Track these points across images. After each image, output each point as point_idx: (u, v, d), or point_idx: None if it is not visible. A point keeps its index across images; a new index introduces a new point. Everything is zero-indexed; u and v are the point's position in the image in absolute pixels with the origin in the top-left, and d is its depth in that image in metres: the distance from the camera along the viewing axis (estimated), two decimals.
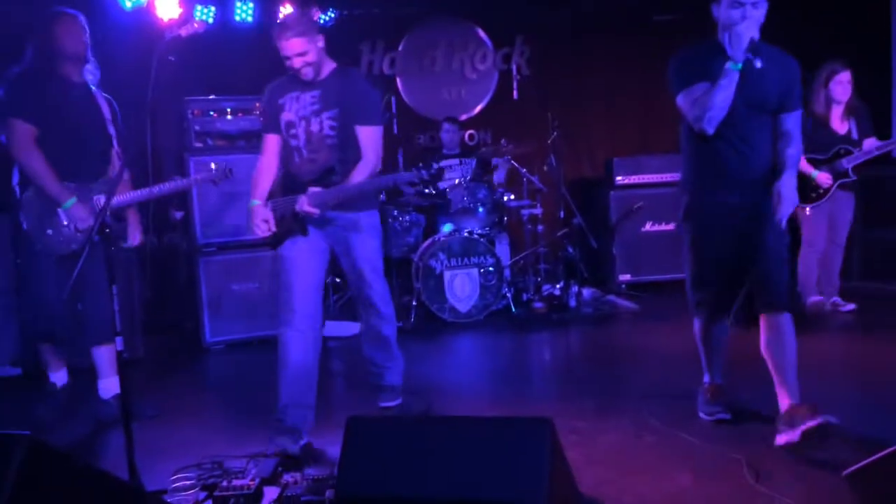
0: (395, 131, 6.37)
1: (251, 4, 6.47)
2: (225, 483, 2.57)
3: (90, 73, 3.76)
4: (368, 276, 3.30)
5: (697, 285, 3.16)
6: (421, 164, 3.12)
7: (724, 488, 2.52)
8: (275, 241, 3.24)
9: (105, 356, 3.63)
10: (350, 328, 5.39)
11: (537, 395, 3.96)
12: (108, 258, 2.72)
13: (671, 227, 6.33)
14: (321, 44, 3.19)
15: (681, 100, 2.99)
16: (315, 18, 2.98)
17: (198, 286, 5.10)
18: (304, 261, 3.19)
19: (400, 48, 7.32)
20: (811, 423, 2.63)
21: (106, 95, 3.80)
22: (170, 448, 3.18)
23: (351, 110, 3.17)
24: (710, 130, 2.86)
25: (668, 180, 6.42)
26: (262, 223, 3.19)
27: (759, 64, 2.72)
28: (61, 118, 3.47)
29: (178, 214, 5.78)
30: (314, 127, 3.19)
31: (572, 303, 5.83)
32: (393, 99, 6.23)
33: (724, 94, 2.80)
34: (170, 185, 3.74)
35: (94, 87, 3.73)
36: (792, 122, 2.97)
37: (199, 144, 5.18)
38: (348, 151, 3.18)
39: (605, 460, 2.81)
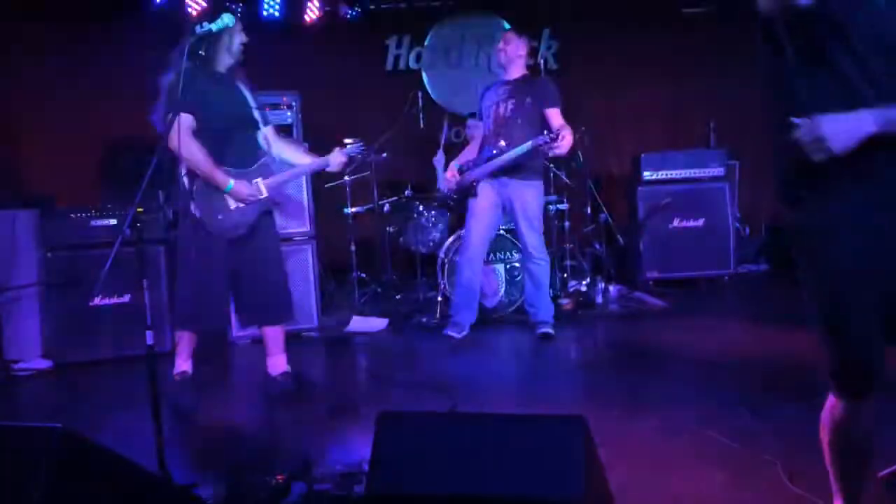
0: (422, 126, 6.36)
1: (278, 0, 6.50)
2: (253, 478, 2.58)
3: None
4: (525, 229, 4.79)
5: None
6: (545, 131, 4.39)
7: (758, 489, 2.47)
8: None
9: (273, 335, 3.86)
10: (376, 324, 5.40)
11: (564, 392, 3.92)
12: (140, 253, 2.73)
13: (699, 223, 6.26)
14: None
15: None
16: None
17: None
18: (482, 212, 4.84)
19: (426, 43, 7.31)
20: None
21: (247, 83, 3.86)
22: (198, 441, 3.20)
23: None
24: None
25: (696, 176, 6.36)
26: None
27: None
28: (214, 109, 3.59)
29: None
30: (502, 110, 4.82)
31: (599, 299, 5.79)
32: (419, 93, 6.21)
33: None
34: (316, 163, 3.90)
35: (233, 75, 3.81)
36: None
37: None
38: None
39: (636, 458, 2.77)
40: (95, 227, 4.79)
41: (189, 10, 6.07)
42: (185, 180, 3.60)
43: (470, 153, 5.07)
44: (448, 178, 5.00)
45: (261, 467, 2.78)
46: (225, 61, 3.70)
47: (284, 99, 5.34)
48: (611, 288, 5.97)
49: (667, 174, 6.41)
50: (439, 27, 7.36)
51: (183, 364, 3.82)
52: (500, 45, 4.90)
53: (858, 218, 1.75)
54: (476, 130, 6.04)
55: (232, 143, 3.64)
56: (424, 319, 5.48)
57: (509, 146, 4.59)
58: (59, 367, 4.64)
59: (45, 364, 4.68)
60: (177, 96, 3.14)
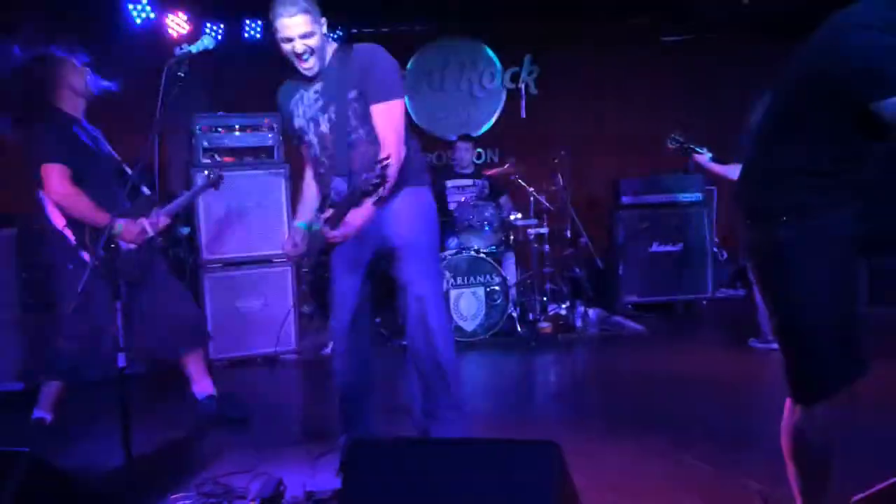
0: None
1: (260, 22, 6.52)
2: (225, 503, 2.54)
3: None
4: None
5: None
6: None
7: None
8: None
9: (193, 362, 3.81)
10: None
11: (542, 417, 3.91)
12: (114, 272, 2.70)
13: (678, 247, 6.31)
14: (325, 28, 2.75)
15: None
16: None
17: (202, 302, 5.08)
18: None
19: (409, 67, 7.35)
20: None
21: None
22: (169, 466, 3.15)
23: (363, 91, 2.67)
24: None
25: (674, 201, 6.42)
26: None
27: None
28: (84, 155, 3.49)
29: (184, 230, 5.78)
30: (323, 127, 2.75)
31: (578, 323, 5.80)
32: None
33: None
34: (182, 199, 3.87)
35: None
36: None
37: (206, 160, 5.19)
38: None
39: (613, 485, 2.75)
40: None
41: (170, 32, 6.06)
42: (69, 232, 3.46)
43: None
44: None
45: (233, 492, 2.74)
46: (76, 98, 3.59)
47: (266, 121, 5.33)
48: (590, 311, 5.97)
49: (645, 199, 6.46)
50: (422, 51, 7.41)
51: (44, 412, 3.64)
52: None
53: (850, 229, 1.91)
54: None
55: (109, 185, 3.53)
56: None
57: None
58: (29, 390, 4.55)
59: (17, 386, 4.59)
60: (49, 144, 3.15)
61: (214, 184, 4.02)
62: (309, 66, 2.69)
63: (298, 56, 2.67)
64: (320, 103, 2.73)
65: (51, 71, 3.50)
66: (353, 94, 2.67)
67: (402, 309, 2.95)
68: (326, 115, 2.71)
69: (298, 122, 2.81)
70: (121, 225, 3.45)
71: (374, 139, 2.66)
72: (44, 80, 3.49)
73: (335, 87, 2.69)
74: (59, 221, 3.47)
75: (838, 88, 1.81)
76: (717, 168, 5.30)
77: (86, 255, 3.43)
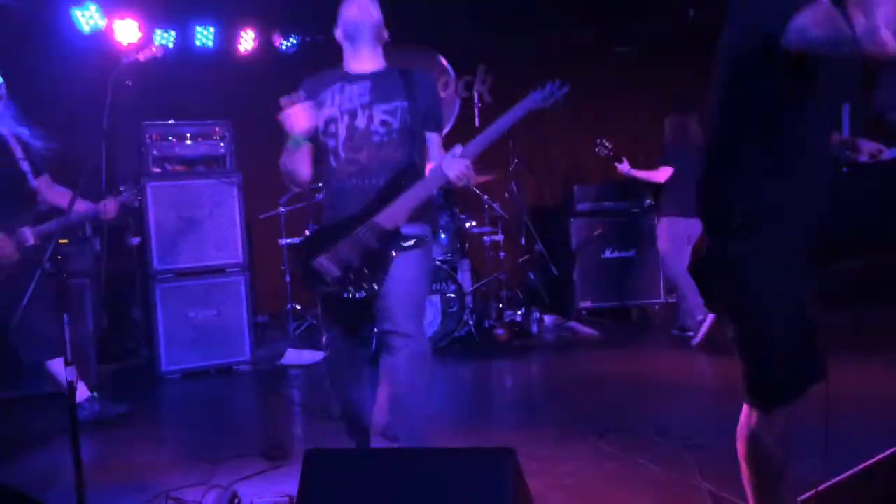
0: None
1: (212, 29, 6.45)
2: None
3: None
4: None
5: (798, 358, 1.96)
6: None
7: None
8: None
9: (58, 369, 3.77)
10: (311, 356, 5.33)
11: (498, 423, 3.94)
12: (61, 286, 2.65)
13: (631, 253, 6.42)
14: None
15: (802, 25, 1.69)
16: None
17: (154, 314, 4.99)
18: None
19: None
20: None
21: (20, 130, 3.86)
22: (122, 481, 3.09)
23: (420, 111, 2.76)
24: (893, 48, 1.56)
25: (627, 208, 6.54)
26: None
27: None
28: None
29: (135, 240, 5.68)
30: (359, 122, 2.73)
31: (534, 329, 5.85)
32: None
33: None
34: (83, 213, 3.82)
35: (2, 132, 3.81)
36: None
37: (157, 169, 5.11)
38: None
39: (567, 488, 2.79)
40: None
41: (119, 39, 5.95)
42: None
43: None
44: None
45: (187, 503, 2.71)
46: None
47: (217, 129, 5.27)
48: (545, 318, 6.04)
49: (598, 206, 6.56)
50: None
51: None
52: None
53: (803, 238, 1.92)
54: None
55: None
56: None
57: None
58: None
59: None
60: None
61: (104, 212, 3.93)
62: (367, 55, 2.77)
63: (366, 40, 2.74)
64: (366, 99, 2.74)
65: None
66: (404, 104, 2.73)
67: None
68: (368, 113, 2.73)
69: (329, 110, 2.77)
70: None
71: (399, 145, 2.72)
72: None
73: (389, 91, 2.75)
74: None
75: (752, 44, 1.81)
76: (639, 174, 5.50)
77: None
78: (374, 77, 2.77)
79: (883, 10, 1.51)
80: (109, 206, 3.85)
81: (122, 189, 3.96)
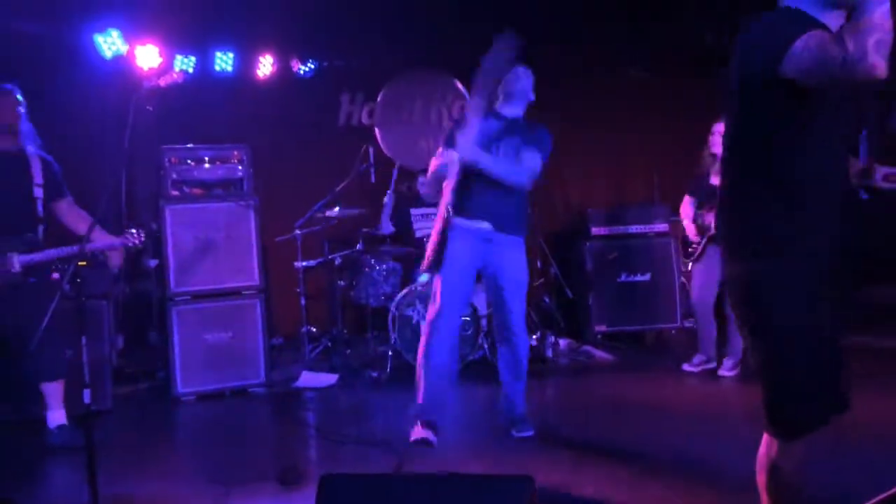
0: (373, 181, 6.40)
1: (231, 55, 6.53)
2: None
3: (28, 139, 3.95)
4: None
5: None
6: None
7: None
8: None
9: (49, 391, 3.93)
10: (326, 379, 5.33)
11: (513, 448, 3.91)
12: (80, 309, 2.68)
13: (646, 277, 6.38)
14: None
15: (798, 52, 1.77)
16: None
17: (170, 336, 5.01)
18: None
19: (378, 99, 7.40)
20: None
21: (46, 158, 3.98)
22: (133, 498, 3.09)
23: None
24: (882, 72, 1.66)
25: (641, 231, 6.51)
26: None
27: None
28: None
29: (152, 262, 5.72)
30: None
31: (549, 353, 5.82)
32: (371, 149, 6.27)
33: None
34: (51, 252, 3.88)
35: (31, 151, 3.93)
36: None
37: (175, 193, 5.16)
38: None
39: None
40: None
41: (140, 64, 6.04)
42: None
43: None
44: None
45: None
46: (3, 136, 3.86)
47: (235, 153, 5.33)
48: (560, 341, 6.01)
49: (613, 229, 6.55)
50: (392, 84, 7.47)
51: None
52: None
53: (825, 261, 1.94)
54: (425, 188, 6.10)
55: None
56: (375, 374, 5.43)
57: None
58: None
59: None
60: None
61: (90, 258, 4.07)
62: (514, 109, 4.06)
63: (519, 98, 4.06)
64: (499, 136, 3.87)
65: None
66: (517, 141, 3.90)
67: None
68: (494, 147, 3.84)
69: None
70: None
71: None
72: None
73: (512, 133, 3.93)
74: None
75: (755, 73, 1.87)
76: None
77: None
78: (505, 121, 4.05)
79: (874, 36, 1.61)
80: (115, 259, 4.05)
81: (132, 231, 3.96)
